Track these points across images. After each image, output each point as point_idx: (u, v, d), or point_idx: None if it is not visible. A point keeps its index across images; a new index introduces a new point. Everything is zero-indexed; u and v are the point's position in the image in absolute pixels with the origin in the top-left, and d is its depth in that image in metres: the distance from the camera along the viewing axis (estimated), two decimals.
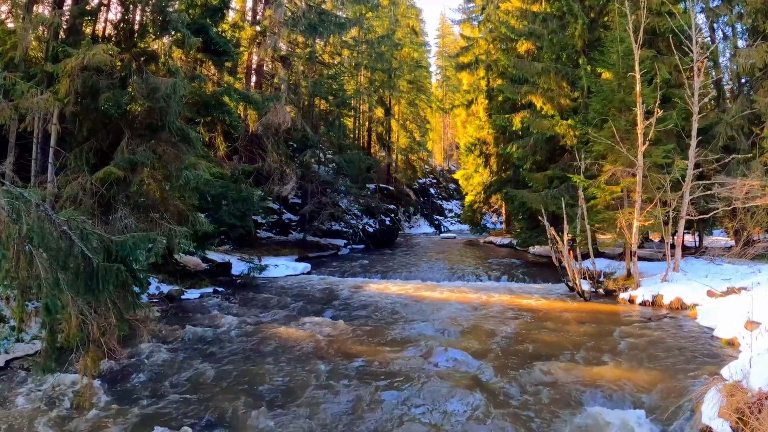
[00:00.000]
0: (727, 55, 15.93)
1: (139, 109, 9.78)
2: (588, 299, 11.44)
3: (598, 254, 14.66)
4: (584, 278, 12.26)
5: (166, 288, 11.10)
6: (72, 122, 9.32)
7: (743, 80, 15.50)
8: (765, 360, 5.00)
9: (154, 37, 11.42)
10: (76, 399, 5.52)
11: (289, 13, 19.30)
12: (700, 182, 12.12)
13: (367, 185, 25.64)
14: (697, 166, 12.25)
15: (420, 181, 38.94)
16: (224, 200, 13.91)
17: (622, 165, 11.98)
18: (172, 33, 11.08)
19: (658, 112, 11.21)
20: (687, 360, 6.97)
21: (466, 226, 31.89)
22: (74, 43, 9.25)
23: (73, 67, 8.28)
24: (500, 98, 22.62)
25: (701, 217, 12.20)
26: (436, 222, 35.63)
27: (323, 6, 22.15)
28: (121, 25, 11.13)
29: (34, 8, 9.75)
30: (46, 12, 9.92)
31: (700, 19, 15.08)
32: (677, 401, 5.21)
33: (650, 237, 19.34)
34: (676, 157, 11.94)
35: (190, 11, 13.49)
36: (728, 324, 7.95)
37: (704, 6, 15.25)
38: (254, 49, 19.63)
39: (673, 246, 12.24)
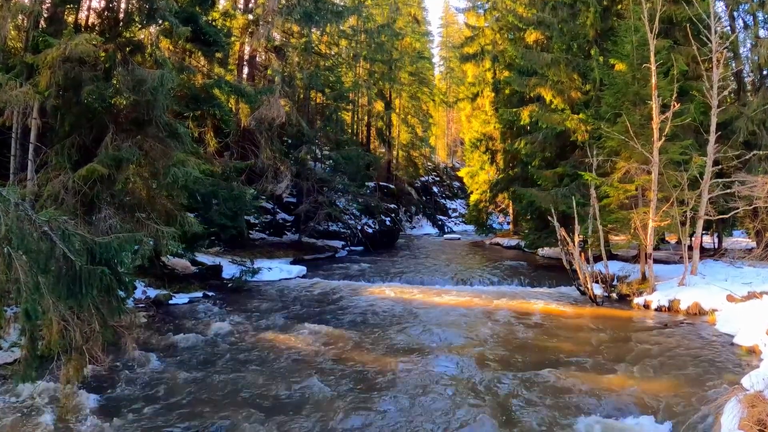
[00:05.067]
0: (748, 45, 15.91)
1: (125, 102, 9.77)
2: (600, 304, 11.45)
3: (611, 256, 14.65)
4: (596, 282, 12.26)
5: (153, 292, 11.10)
6: (53, 116, 9.31)
7: (765, 72, 15.49)
8: None
9: (140, 26, 11.39)
10: (57, 410, 5.52)
11: (283, 1, 19.29)
12: (720, 180, 12.11)
13: (366, 183, 25.62)
14: (716, 163, 12.24)
15: (422, 178, 38.90)
16: (215, 199, 13.90)
17: (637, 162, 11.97)
18: (160, 22, 11.05)
19: (674, 106, 11.19)
20: (705, 368, 6.98)
21: (470, 227, 31.82)
22: (55, 32, 9.24)
23: (54, 57, 8.27)
24: (507, 91, 22.61)
25: (720, 217, 12.19)
26: (440, 222, 35.61)
27: None
28: (106, 13, 11.13)
29: None
30: (26, 0, 9.91)
31: (719, 7, 15.06)
32: (695, 412, 5.22)
33: (666, 238, 19.31)
34: (694, 154, 11.93)
35: None
36: (749, 330, 7.95)
37: None
38: (246, 39, 19.62)
39: (690, 248, 12.23)
